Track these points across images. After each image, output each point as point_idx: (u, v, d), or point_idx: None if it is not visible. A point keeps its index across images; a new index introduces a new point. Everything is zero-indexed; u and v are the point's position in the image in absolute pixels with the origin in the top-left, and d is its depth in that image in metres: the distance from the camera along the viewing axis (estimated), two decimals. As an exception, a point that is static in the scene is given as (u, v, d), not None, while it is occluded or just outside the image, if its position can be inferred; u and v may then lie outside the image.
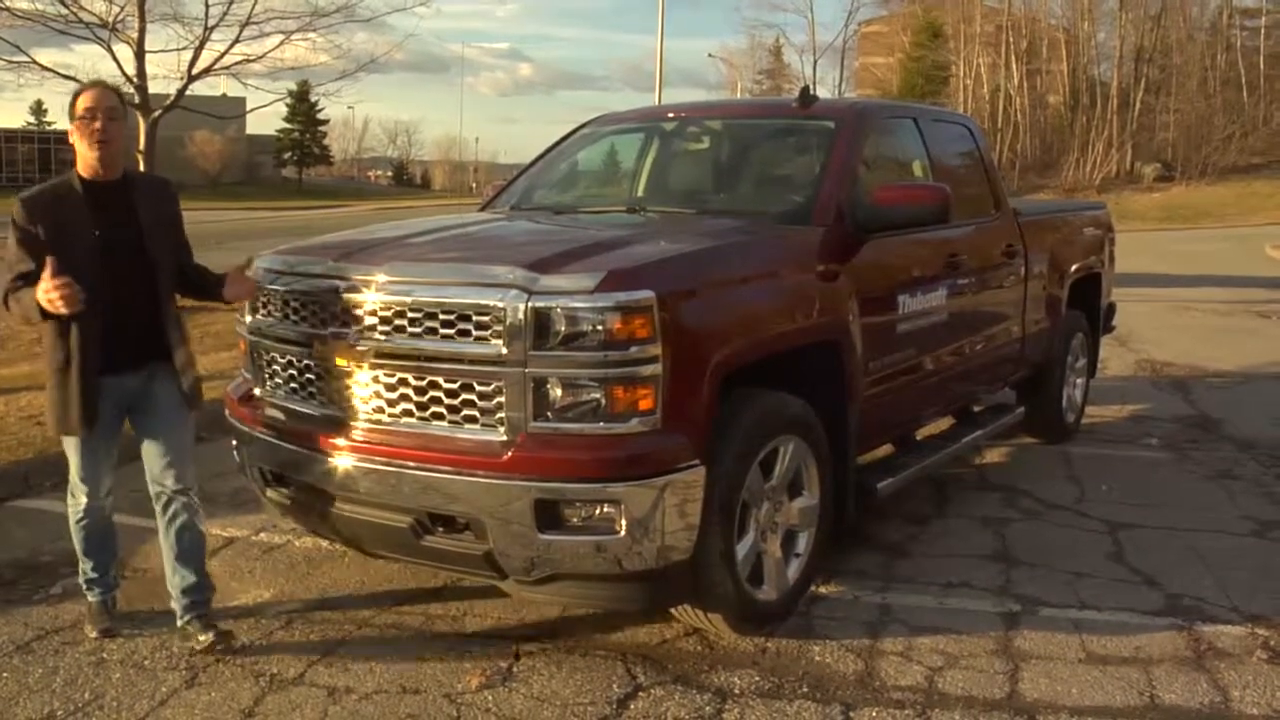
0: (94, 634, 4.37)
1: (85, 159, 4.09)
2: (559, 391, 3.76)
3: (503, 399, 3.82)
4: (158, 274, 4.18)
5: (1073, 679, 4.07)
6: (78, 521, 4.39)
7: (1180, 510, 6.04)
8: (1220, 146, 49.20)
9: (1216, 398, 9.05)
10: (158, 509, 4.37)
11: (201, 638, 4.22)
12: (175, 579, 4.34)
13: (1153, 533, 5.66)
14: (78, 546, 4.44)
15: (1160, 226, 35.57)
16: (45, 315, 3.87)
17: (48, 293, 3.74)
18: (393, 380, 4.04)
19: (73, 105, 4.08)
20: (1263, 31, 54.91)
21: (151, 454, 4.34)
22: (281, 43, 13.14)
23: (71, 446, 4.25)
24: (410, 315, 3.97)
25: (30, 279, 3.88)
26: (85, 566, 4.46)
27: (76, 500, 4.36)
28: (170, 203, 4.36)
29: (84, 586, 4.49)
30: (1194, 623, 4.57)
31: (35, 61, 12.45)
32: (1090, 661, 4.22)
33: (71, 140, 4.10)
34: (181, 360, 4.28)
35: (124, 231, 4.11)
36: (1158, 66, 53.51)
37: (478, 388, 3.87)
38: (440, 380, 3.94)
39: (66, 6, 11.82)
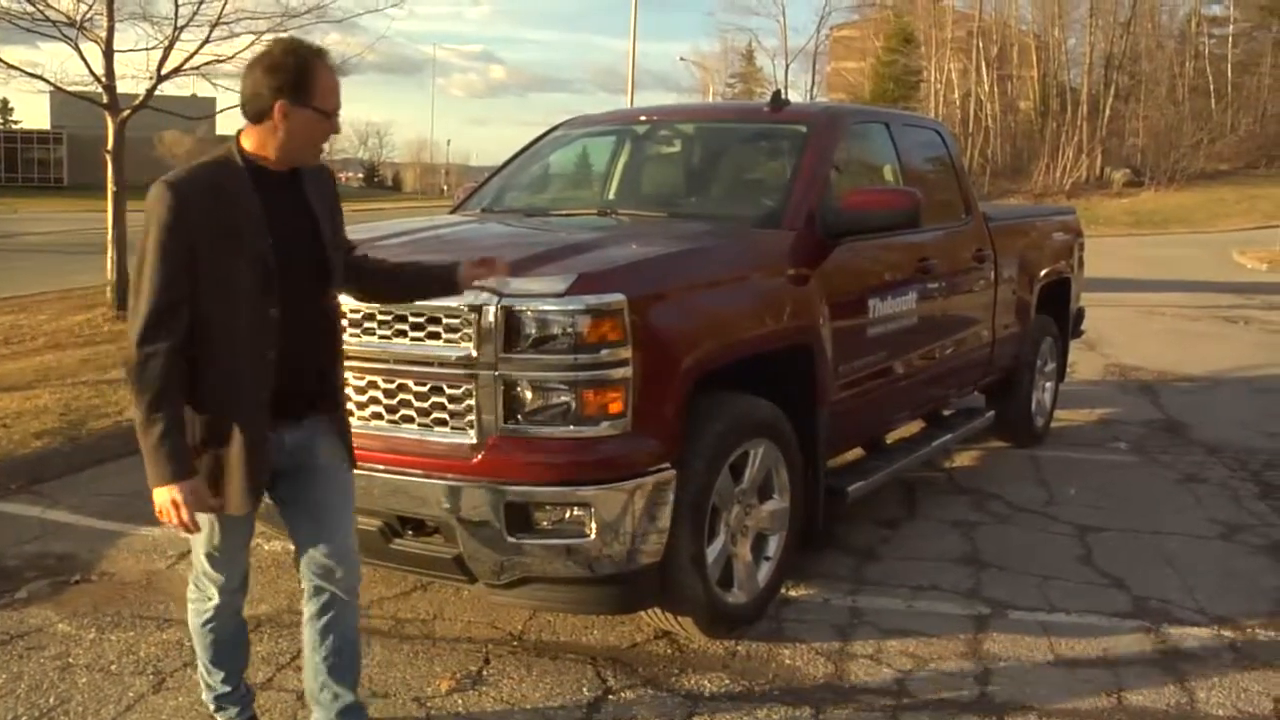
0: None
1: (291, 155, 3.04)
2: (529, 394, 3.76)
3: (473, 402, 3.80)
4: (334, 293, 3.25)
5: (1041, 681, 4.09)
6: (205, 624, 3.37)
7: (1148, 513, 6.08)
8: (1189, 153, 49.61)
9: (1184, 402, 9.12)
10: (309, 604, 3.34)
11: None
12: (324, 695, 3.37)
13: (1121, 536, 5.70)
14: (202, 655, 3.45)
15: (1129, 232, 35.84)
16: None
17: (174, 502, 2.91)
18: (362, 383, 4.02)
19: (309, 84, 2.96)
20: (1230, 40, 55.45)
21: (311, 535, 3.27)
22: (252, 43, 12.98)
23: (202, 525, 3.14)
24: (380, 317, 3.95)
25: (179, 308, 2.87)
26: (213, 680, 3.48)
27: (203, 594, 3.34)
28: (335, 195, 3.29)
29: (212, 707, 3.54)
30: (1161, 625, 4.60)
31: (1, 60, 12.32)
32: (1059, 663, 4.24)
33: (281, 120, 2.96)
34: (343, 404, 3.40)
35: (300, 236, 3.08)
36: (1127, 73, 53.95)
37: (448, 390, 3.86)
38: (410, 383, 3.92)
39: (33, 4, 11.68)
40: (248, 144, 3.02)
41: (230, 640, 3.44)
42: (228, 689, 3.49)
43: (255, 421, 3.01)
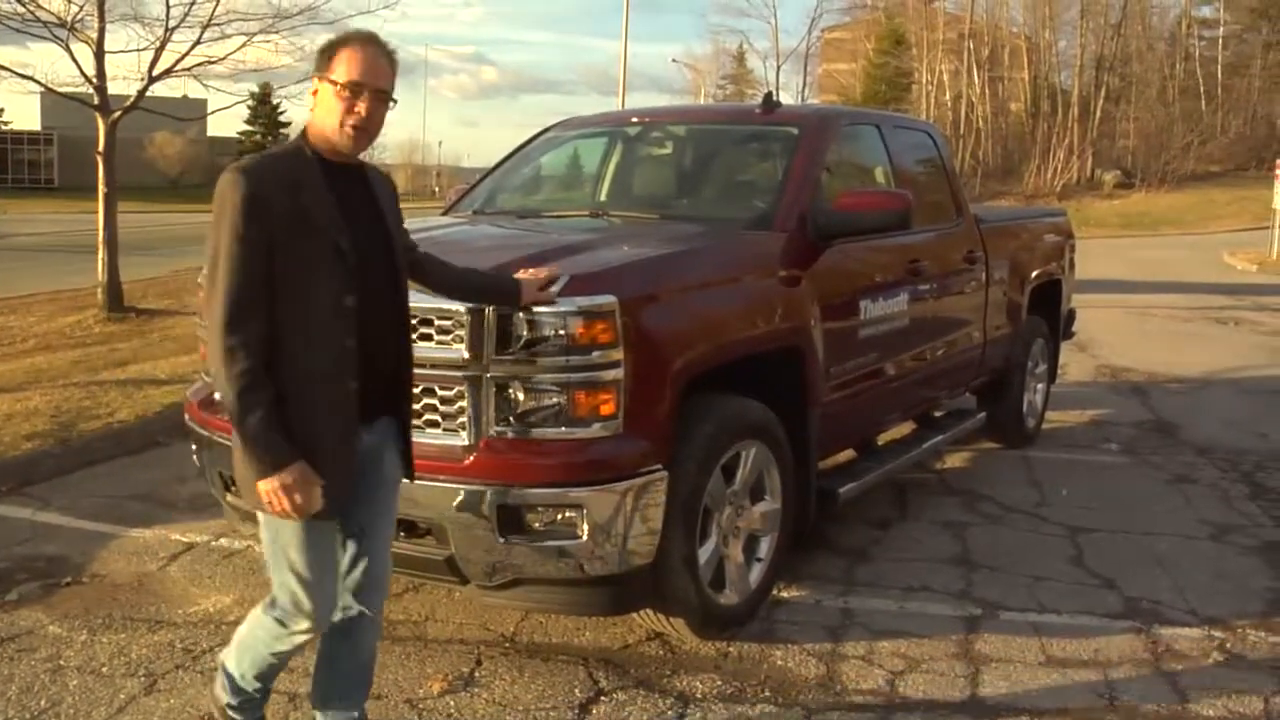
0: None
1: (328, 137, 2.94)
2: (521, 396, 3.76)
3: (465, 403, 3.80)
4: (405, 289, 3.18)
5: (1032, 682, 4.10)
6: (277, 652, 3.19)
7: (1139, 514, 6.10)
8: (1179, 154, 49.78)
9: (1175, 403, 9.14)
10: (335, 624, 3.24)
11: None
12: (329, 706, 3.34)
13: (1111, 536, 5.71)
14: (249, 668, 3.24)
15: (1120, 233, 35.92)
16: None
17: (285, 486, 2.81)
18: (354, 384, 4.01)
19: (331, 58, 2.93)
20: (1220, 41, 55.65)
21: (351, 549, 3.19)
22: (244, 44, 13.02)
23: (293, 547, 3.00)
24: (372, 319, 3.94)
25: (260, 297, 2.78)
26: (247, 686, 3.28)
27: (291, 630, 3.11)
28: (397, 199, 3.29)
29: (233, 701, 3.30)
30: (1152, 625, 4.61)
31: (-7, 61, 12.29)
32: (1050, 664, 4.25)
33: (313, 97, 2.97)
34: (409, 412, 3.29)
35: (370, 228, 3.04)
36: (1118, 75, 54.11)
37: (440, 392, 3.85)
38: (402, 385, 3.91)
39: (23, 4, 11.65)
40: (313, 136, 2.98)
41: (283, 665, 3.33)
42: (258, 697, 3.32)
43: (344, 413, 2.92)
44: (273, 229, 2.78)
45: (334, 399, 2.90)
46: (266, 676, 3.29)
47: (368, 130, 2.93)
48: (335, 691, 3.31)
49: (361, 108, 2.89)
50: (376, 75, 2.92)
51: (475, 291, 3.68)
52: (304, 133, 3.00)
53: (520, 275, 3.70)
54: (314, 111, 2.95)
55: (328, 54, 2.94)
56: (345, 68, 2.90)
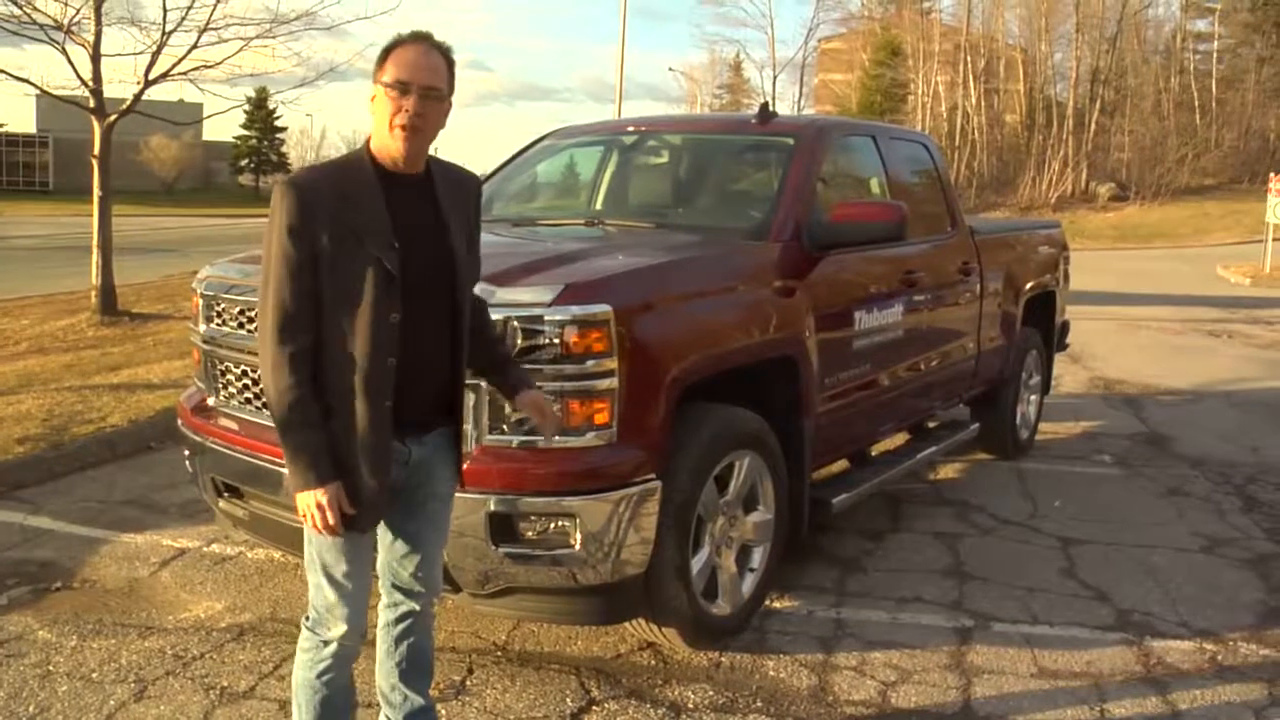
0: None
1: (383, 142, 2.87)
2: (515, 404, 3.75)
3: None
4: (464, 306, 3.04)
5: (1025, 693, 4.10)
6: (321, 674, 3.05)
7: (1131, 526, 6.11)
8: (1173, 167, 49.90)
9: (1168, 415, 9.16)
10: (387, 611, 3.27)
11: None
12: (395, 695, 3.31)
13: (1104, 548, 5.72)
14: (310, 714, 3.09)
15: (1114, 246, 36.00)
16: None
17: (320, 504, 2.81)
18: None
19: (382, 62, 2.87)
20: (1215, 55, 55.84)
21: (402, 552, 3.18)
22: (240, 49, 12.99)
23: (327, 551, 2.99)
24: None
25: (306, 311, 2.77)
26: None
27: (322, 636, 3.05)
28: (476, 208, 3.16)
29: None
30: (1144, 638, 4.61)
31: (-12, 64, 12.26)
32: (1042, 676, 4.25)
33: (371, 107, 2.89)
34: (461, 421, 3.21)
35: (428, 245, 2.93)
36: (1113, 88, 54.26)
37: (433, 399, 3.84)
38: (396, 392, 3.90)
39: (19, 7, 11.63)
40: (373, 145, 2.92)
41: (343, 703, 3.14)
42: None
43: (380, 430, 2.85)
44: (318, 245, 2.75)
45: (371, 416, 2.83)
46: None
47: (419, 130, 2.84)
48: (396, 681, 3.29)
49: (409, 106, 2.81)
50: (423, 72, 2.84)
51: (486, 365, 3.35)
52: (367, 142, 2.93)
53: (530, 396, 3.32)
54: (372, 119, 2.88)
55: (381, 58, 2.88)
56: (393, 67, 2.84)
